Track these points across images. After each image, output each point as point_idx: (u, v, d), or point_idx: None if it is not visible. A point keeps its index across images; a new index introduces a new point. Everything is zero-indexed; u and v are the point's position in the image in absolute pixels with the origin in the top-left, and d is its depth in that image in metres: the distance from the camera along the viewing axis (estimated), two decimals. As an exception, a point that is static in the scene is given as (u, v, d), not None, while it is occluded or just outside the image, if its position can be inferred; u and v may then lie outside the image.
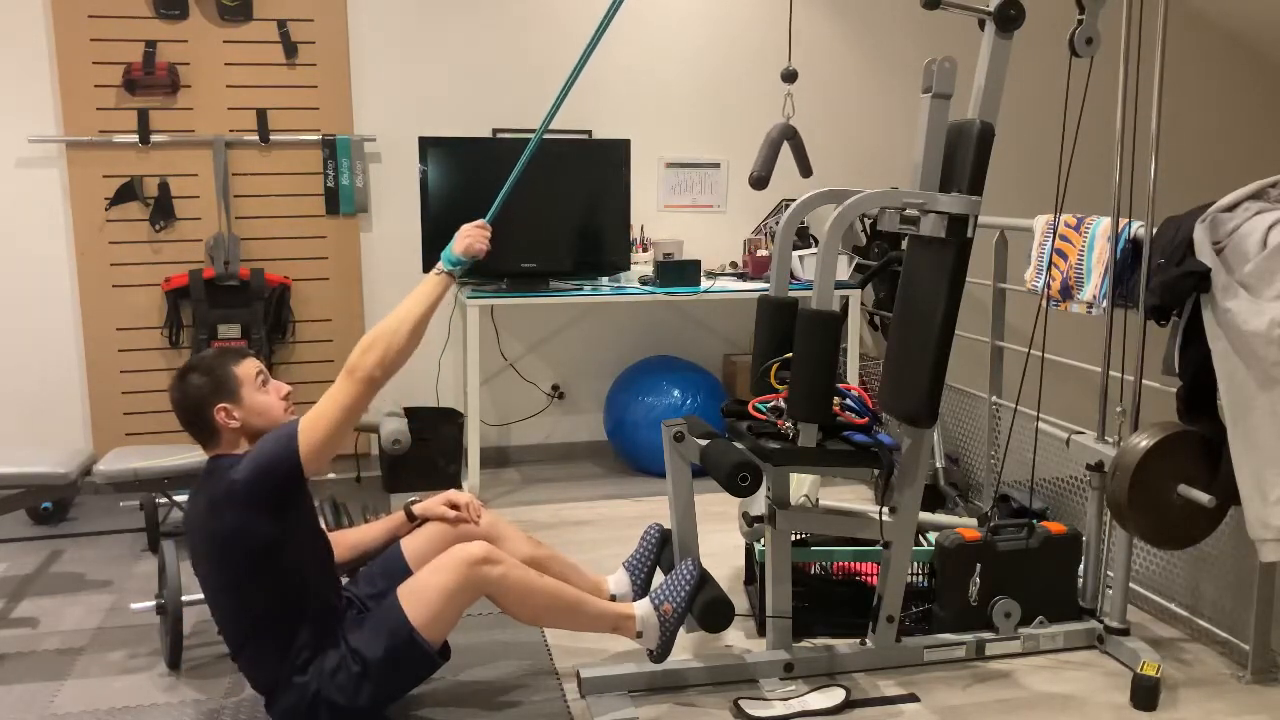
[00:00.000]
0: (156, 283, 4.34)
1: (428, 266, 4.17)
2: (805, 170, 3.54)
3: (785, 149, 3.48)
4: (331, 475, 4.56)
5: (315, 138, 4.42)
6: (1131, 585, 3.07)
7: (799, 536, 2.96)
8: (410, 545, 2.70)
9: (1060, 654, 2.92)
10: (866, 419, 2.63)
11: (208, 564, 2.41)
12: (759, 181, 3.36)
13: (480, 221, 2.56)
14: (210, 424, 2.44)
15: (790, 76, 3.51)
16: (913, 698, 2.69)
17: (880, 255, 4.46)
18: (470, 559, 2.40)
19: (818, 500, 3.15)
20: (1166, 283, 2.61)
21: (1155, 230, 2.77)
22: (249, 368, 2.49)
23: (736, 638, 3.00)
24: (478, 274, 4.26)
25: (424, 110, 4.54)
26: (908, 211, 2.62)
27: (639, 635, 2.59)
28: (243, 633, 2.43)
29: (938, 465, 4.03)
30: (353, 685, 2.37)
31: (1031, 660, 2.89)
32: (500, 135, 4.59)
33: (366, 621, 2.43)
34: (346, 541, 2.78)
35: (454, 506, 2.77)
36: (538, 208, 4.22)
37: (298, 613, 2.40)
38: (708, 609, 2.58)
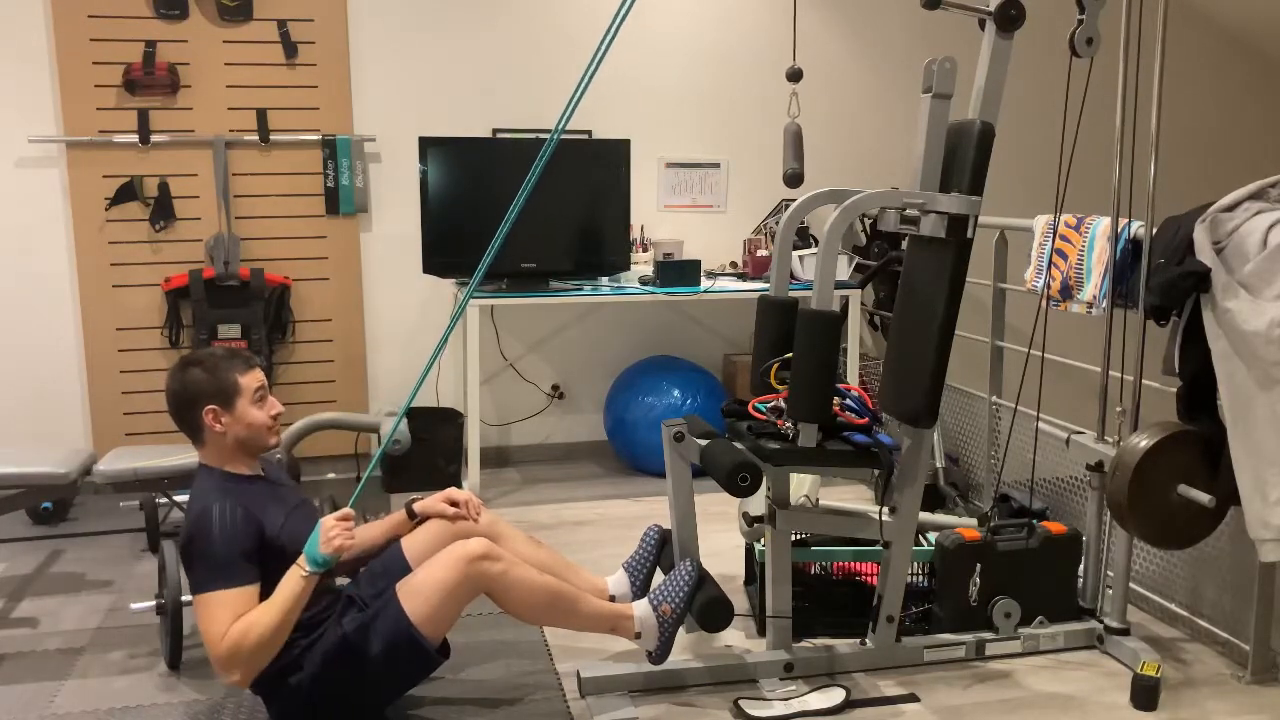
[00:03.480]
0: (156, 283, 4.34)
1: (428, 267, 4.19)
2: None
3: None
4: (331, 475, 4.57)
5: (315, 138, 4.42)
6: (1131, 585, 3.07)
7: (799, 536, 2.96)
8: (410, 543, 2.70)
9: (1060, 654, 2.92)
10: (866, 419, 2.63)
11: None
12: (794, 178, 3.34)
13: (343, 511, 2.39)
14: (197, 421, 2.44)
15: (795, 76, 3.50)
16: (913, 698, 2.69)
17: (880, 255, 4.46)
18: (470, 555, 2.40)
19: (818, 500, 3.15)
20: (1166, 283, 2.61)
21: (1155, 230, 2.77)
22: (252, 380, 2.48)
23: (736, 638, 2.99)
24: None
25: (424, 110, 4.54)
26: (908, 211, 2.62)
27: (638, 636, 2.59)
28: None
29: (938, 465, 4.03)
30: (352, 682, 2.37)
31: (1031, 660, 2.89)
32: (500, 135, 4.59)
33: (366, 619, 2.43)
34: (347, 542, 2.77)
35: (453, 504, 2.78)
36: (538, 208, 4.19)
37: None
38: (707, 609, 2.57)
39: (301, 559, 2.35)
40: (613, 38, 2.48)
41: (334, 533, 2.35)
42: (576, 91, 2.47)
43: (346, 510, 2.41)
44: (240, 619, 2.29)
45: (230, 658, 2.28)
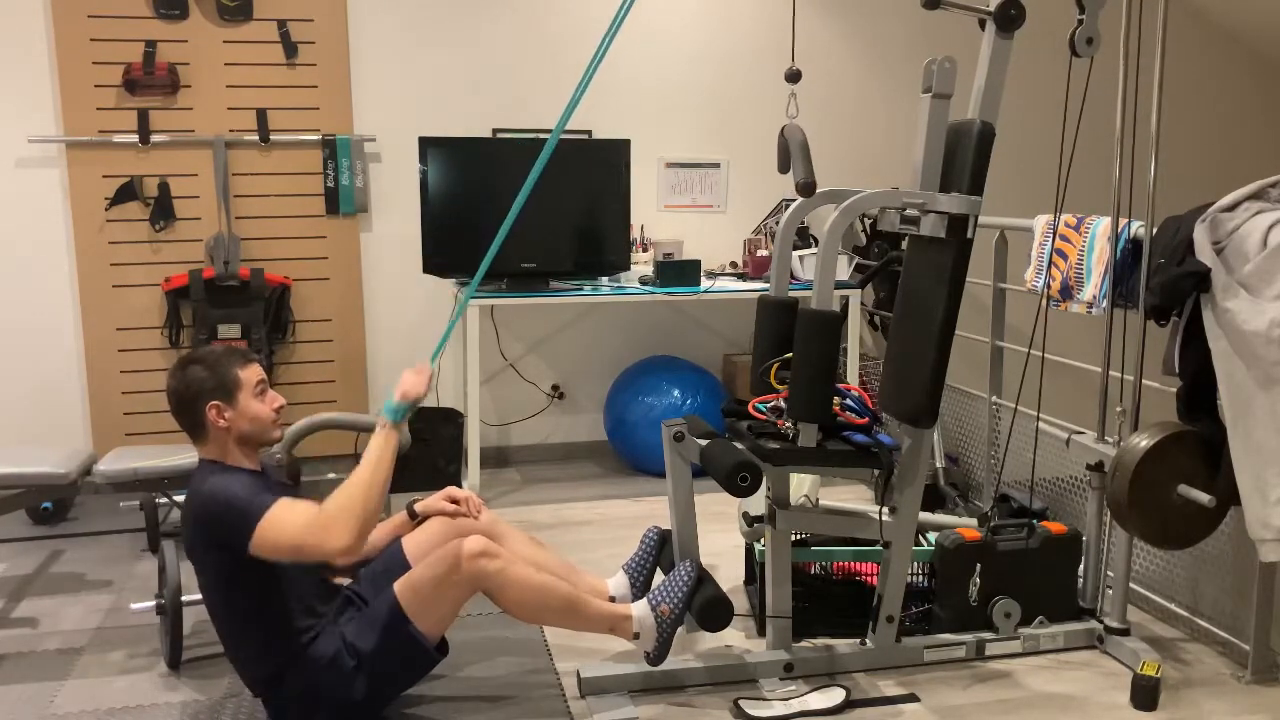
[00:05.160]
0: (156, 283, 4.34)
1: (428, 267, 4.19)
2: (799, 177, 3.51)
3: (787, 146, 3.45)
4: (331, 475, 4.56)
5: (315, 138, 4.42)
6: (1131, 585, 3.07)
7: (799, 536, 2.96)
8: (411, 542, 2.71)
9: (1060, 654, 2.92)
10: (866, 419, 2.63)
11: (194, 564, 2.43)
12: (807, 188, 3.32)
13: (420, 365, 2.53)
14: (199, 418, 2.44)
15: (794, 77, 3.49)
16: (913, 698, 2.69)
17: (880, 255, 4.46)
18: (468, 553, 2.40)
19: (818, 500, 3.15)
20: (1166, 283, 2.61)
21: (1155, 230, 2.77)
22: (251, 374, 2.49)
23: (736, 638, 2.99)
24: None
25: (424, 110, 4.54)
26: (908, 211, 2.62)
27: (636, 636, 2.59)
28: (236, 629, 2.44)
29: (938, 465, 4.03)
30: (350, 680, 2.37)
31: (1031, 660, 2.89)
32: (500, 135, 4.59)
33: (364, 616, 2.43)
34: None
35: (453, 502, 2.79)
36: (538, 208, 4.20)
37: (288, 610, 2.40)
38: (706, 608, 2.57)
39: (382, 417, 2.45)
40: (612, 37, 2.49)
41: (409, 382, 2.49)
42: (577, 91, 2.47)
43: (423, 365, 2.55)
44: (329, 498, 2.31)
45: (341, 518, 2.27)
